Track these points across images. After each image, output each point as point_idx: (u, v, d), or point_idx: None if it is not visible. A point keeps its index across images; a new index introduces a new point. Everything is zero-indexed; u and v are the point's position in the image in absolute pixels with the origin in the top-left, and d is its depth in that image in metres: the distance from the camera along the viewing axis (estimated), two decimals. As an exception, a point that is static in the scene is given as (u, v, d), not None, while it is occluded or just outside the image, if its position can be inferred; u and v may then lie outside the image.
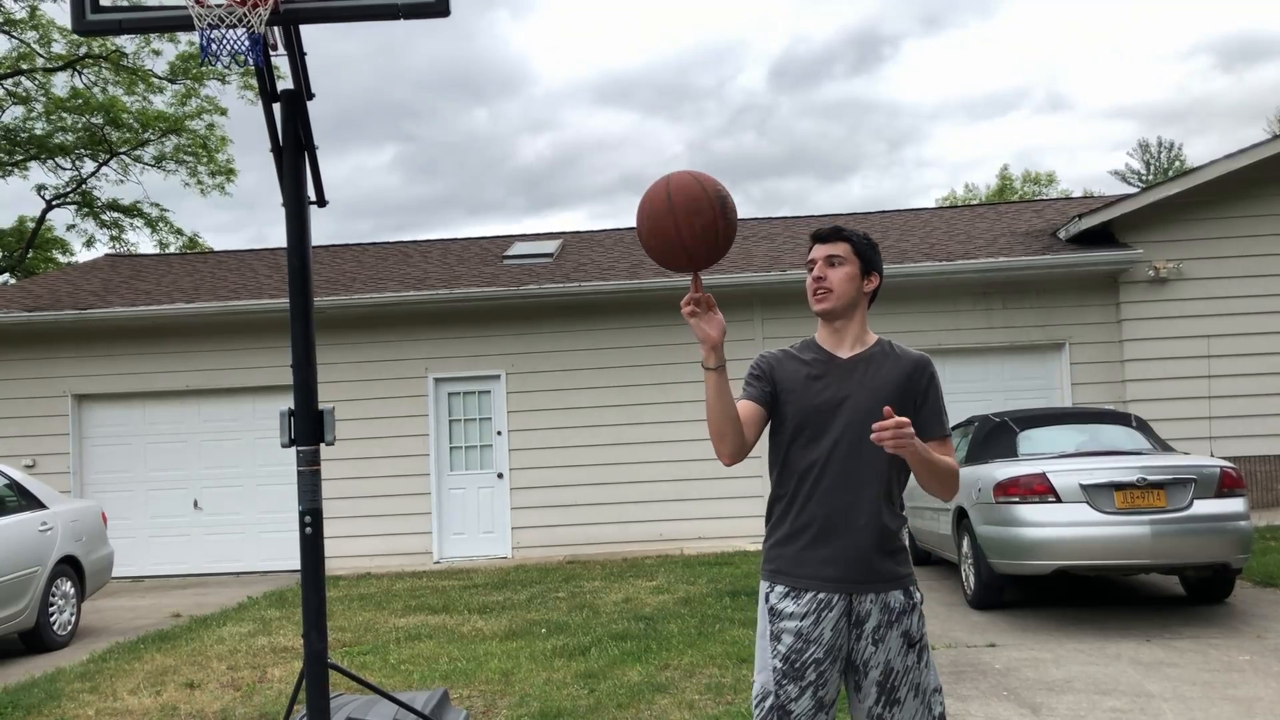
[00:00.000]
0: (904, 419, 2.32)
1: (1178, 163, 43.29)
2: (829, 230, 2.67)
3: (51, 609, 7.87)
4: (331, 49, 60.35)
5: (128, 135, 24.39)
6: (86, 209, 26.45)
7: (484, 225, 71.07)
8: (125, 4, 4.21)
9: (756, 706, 2.54)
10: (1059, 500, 6.70)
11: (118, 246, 26.42)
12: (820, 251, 2.65)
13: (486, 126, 67.57)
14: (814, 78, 69.04)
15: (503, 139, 67.47)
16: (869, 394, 2.56)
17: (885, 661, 2.49)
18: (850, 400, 2.56)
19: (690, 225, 2.39)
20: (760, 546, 2.83)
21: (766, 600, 2.59)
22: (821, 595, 2.51)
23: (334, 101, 55.79)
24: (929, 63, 68.30)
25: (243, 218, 54.62)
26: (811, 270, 2.66)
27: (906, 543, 2.66)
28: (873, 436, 2.31)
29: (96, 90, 23.46)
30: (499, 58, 67.13)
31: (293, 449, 4.04)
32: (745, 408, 2.61)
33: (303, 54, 4.12)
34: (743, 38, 68.66)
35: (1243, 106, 57.84)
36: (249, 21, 3.76)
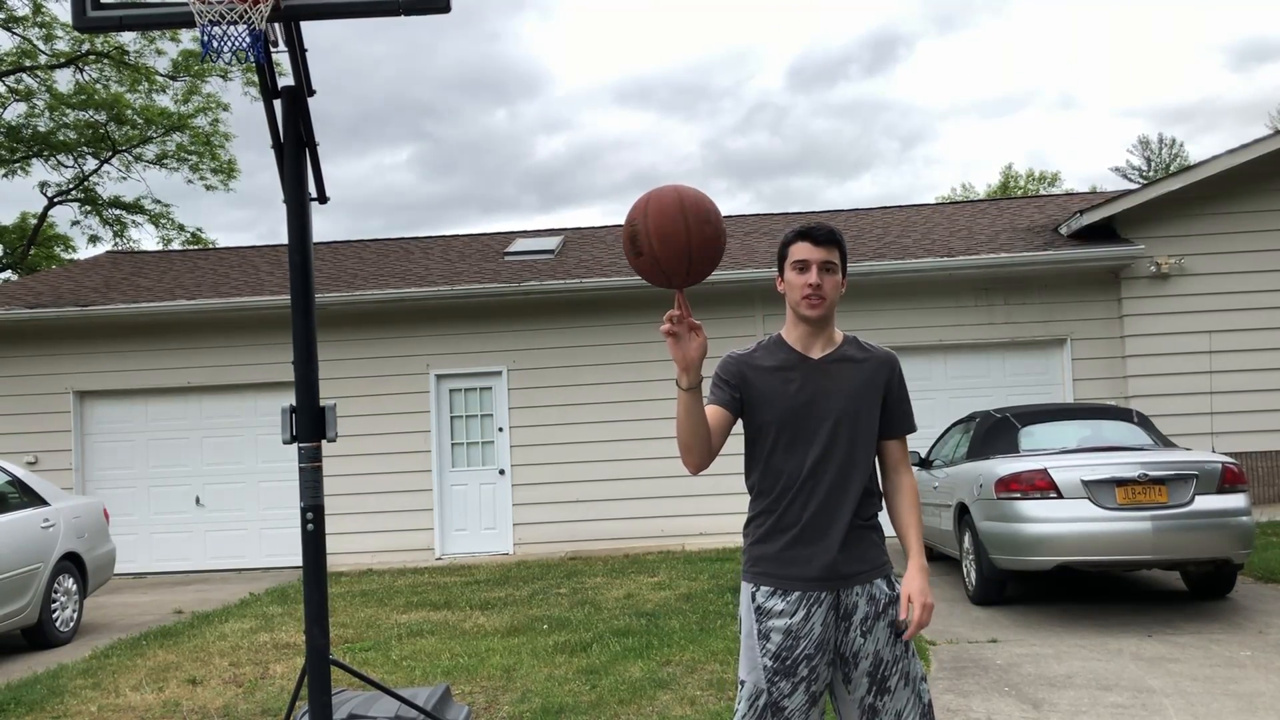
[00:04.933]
0: (927, 603, 2.47)
1: (1179, 159, 43.23)
2: (826, 234, 2.56)
3: (54, 605, 7.88)
4: (357, 50, 60.39)
5: (131, 133, 24.36)
6: (89, 206, 26.44)
7: (495, 223, 71.16)
8: (127, 0, 4.20)
9: (749, 706, 2.52)
10: (1061, 496, 6.69)
11: (120, 243, 26.43)
12: (817, 255, 2.54)
13: (505, 126, 67.63)
14: (829, 78, 69.15)
15: (519, 138, 67.56)
16: (846, 396, 2.56)
17: (875, 652, 2.50)
18: (828, 401, 2.55)
19: (701, 233, 2.31)
20: None
21: (752, 600, 2.58)
22: (811, 593, 2.52)
23: (358, 103, 55.83)
24: (942, 62, 68.26)
25: (255, 216, 54.69)
26: (801, 270, 2.55)
27: (881, 526, 2.68)
28: (905, 636, 2.48)
29: (99, 87, 23.43)
30: (522, 58, 67.15)
31: (294, 445, 4.05)
32: (713, 413, 2.57)
33: (303, 50, 4.13)
34: (763, 39, 68.79)
35: (1250, 105, 57.79)
36: (250, 18, 3.77)
